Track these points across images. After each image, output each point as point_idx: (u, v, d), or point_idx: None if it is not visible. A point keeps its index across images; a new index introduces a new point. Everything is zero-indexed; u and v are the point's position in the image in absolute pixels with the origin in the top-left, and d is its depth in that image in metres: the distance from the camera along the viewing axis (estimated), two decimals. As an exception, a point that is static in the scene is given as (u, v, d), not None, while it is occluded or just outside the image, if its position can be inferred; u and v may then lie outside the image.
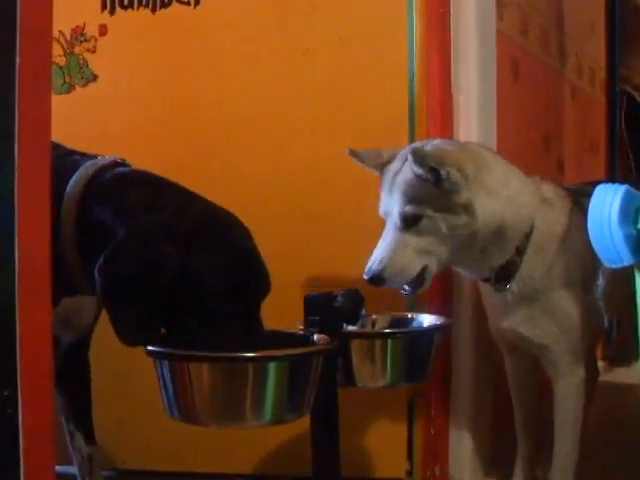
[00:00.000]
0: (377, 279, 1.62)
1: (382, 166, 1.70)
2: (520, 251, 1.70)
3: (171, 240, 1.40)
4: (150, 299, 1.39)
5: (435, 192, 1.59)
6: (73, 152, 1.58)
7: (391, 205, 1.64)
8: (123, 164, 1.58)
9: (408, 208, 1.61)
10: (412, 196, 1.61)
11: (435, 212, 1.60)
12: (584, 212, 1.71)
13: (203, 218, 1.47)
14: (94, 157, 1.56)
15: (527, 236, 1.70)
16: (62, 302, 1.49)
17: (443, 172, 1.57)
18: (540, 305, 1.73)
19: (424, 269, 1.64)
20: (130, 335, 1.41)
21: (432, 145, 1.69)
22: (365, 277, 1.63)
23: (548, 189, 1.77)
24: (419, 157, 1.58)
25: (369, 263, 1.63)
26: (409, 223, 1.61)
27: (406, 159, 1.64)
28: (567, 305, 1.74)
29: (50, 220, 1.12)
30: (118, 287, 1.40)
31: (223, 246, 1.45)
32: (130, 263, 1.39)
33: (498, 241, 1.67)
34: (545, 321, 1.74)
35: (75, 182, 1.49)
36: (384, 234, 1.65)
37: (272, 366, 1.39)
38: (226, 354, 1.39)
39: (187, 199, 1.50)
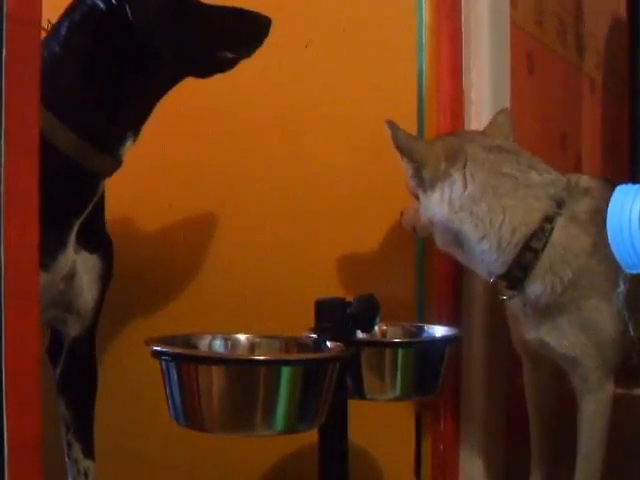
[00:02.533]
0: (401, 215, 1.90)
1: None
2: (523, 266, 1.69)
3: None
4: None
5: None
6: None
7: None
8: None
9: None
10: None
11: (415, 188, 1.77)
12: None
13: None
14: None
15: (533, 251, 1.68)
16: (60, 265, 1.55)
17: (405, 163, 1.76)
18: (568, 316, 1.71)
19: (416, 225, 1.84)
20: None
21: (440, 137, 1.85)
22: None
23: (582, 205, 1.72)
24: (399, 140, 1.75)
25: None
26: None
27: None
28: (599, 316, 1.72)
29: (38, 219, 1.12)
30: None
31: None
32: None
33: (465, 247, 1.73)
34: (574, 333, 1.72)
35: None
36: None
37: (286, 371, 1.39)
38: (237, 356, 1.40)
39: None
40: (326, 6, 2.10)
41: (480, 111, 2.08)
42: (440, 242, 1.78)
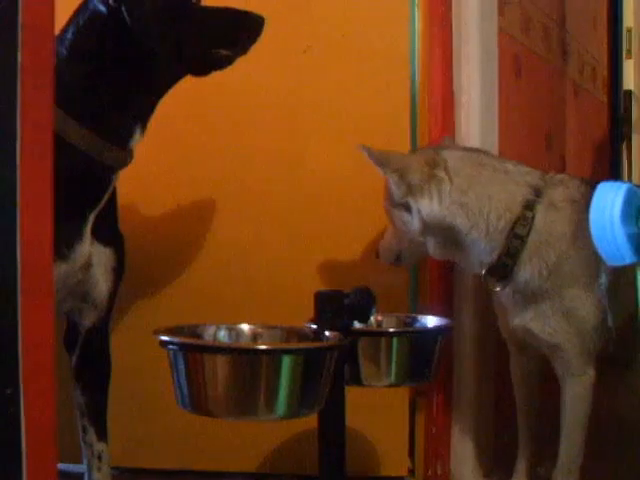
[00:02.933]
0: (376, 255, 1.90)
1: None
2: (512, 253, 1.70)
3: None
4: None
5: (392, 190, 1.76)
6: None
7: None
8: None
9: (383, 203, 1.81)
10: (387, 193, 1.79)
11: (391, 207, 1.78)
12: None
13: None
14: None
15: (519, 238, 1.70)
16: (77, 255, 1.57)
17: (387, 175, 1.74)
18: (551, 303, 1.72)
19: (399, 252, 1.84)
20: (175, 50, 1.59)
21: (415, 150, 1.88)
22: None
23: (558, 193, 1.74)
24: (373, 156, 1.74)
25: None
26: (387, 215, 1.82)
27: None
28: (581, 305, 1.72)
29: (52, 219, 1.12)
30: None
31: None
32: None
33: (458, 242, 1.73)
34: (557, 320, 1.72)
35: None
36: None
37: (287, 359, 1.40)
38: (241, 345, 1.40)
39: None
40: (324, 14, 2.10)
41: (470, 113, 2.08)
42: (434, 247, 1.77)
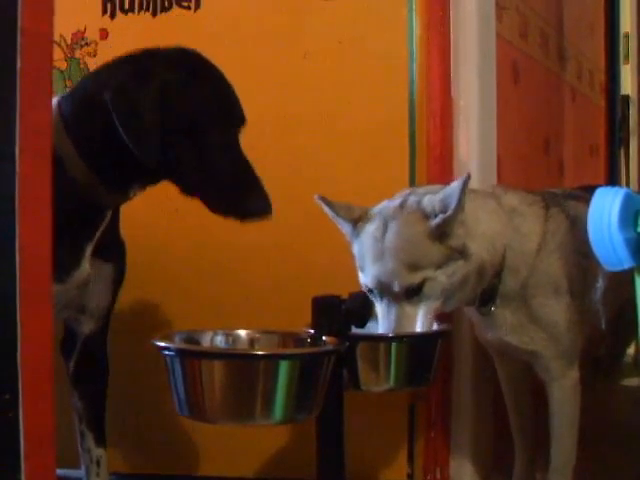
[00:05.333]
0: None
1: (354, 221, 1.63)
2: (498, 273, 1.67)
3: (168, 69, 1.56)
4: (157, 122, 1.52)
5: (431, 247, 1.54)
6: None
7: (386, 275, 1.55)
8: None
9: (411, 278, 1.54)
10: (412, 262, 1.54)
11: (435, 270, 1.55)
12: (568, 216, 1.72)
13: (186, 54, 1.63)
14: None
15: (503, 259, 1.67)
16: (74, 279, 1.58)
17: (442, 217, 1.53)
18: (524, 313, 1.71)
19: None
20: (152, 152, 1.52)
21: (424, 197, 1.60)
22: None
23: (513, 198, 1.71)
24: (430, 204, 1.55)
25: None
26: (413, 293, 1.55)
27: (386, 220, 1.58)
28: (550, 311, 1.71)
29: (51, 222, 1.12)
30: (136, 111, 1.51)
31: (209, 78, 1.61)
32: (141, 91, 1.52)
33: (480, 276, 1.64)
34: (532, 329, 1.72)
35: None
36: (383, 308, 1.59)
37: (284, 364, 1.40)
38: (238, 351, 1.40)
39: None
40: (323, 20, 2.10)
41: (468, 118, 2.08)
42: (455, 299, 1.62)
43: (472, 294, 1.66)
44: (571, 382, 1.76)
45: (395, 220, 1.57)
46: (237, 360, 1.40)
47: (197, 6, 2.15)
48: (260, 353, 1.41)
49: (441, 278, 1.55)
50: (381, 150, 2.05)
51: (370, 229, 1.60)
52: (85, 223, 1.62)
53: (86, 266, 1.62)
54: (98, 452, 1.74)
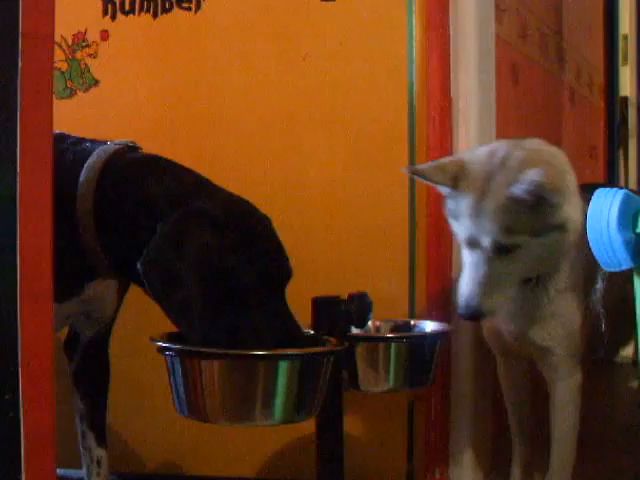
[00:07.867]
0: (476, 316, 1.60)
1: (452, 182, 1.59)
2: (563, 252, 1.62)
3: (210, 231, 1.42)
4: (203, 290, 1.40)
5: (531, 217, 1.53)
6: (83, 140, 1.60)
7: (479, 233, 1.55)
8: (135, 148, 1.60)
9: (503, 238, 1.53)
10: (507, 224, 1.53)
11: (531, 238, 1.54)
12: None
13: (230, 207, 1.50)
14: (104, 143, 1.57)
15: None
16: (86, 289, 1.56)
17: (548, 198, 1.51)
18: (549, 307, 1.70)
19: None
20: (199, 328, 1.40)
21: (525, 160, 1.56)
22: (461, 313, 1.59)
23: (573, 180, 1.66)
24: (536, 189, 1.49)
25: (463, 298, 1.57)
26: (503, 252, 1.55)
27: (488, 176, 1.55)
28: (572, 308, 1.72)
29: (52, 223, 1.12)
30: (173, 282, 1.40)
31: (254, 234, 1.48)
32: (183, 256, 1.39)
33: (569, 251, 1.61)
34: (552, 325, 1.71)
35: (90, 168, 1.50)
36: (471, 263, 1.58)
37: (283, 365, 1.40)
38: (237, 352, 1.40)
39: (206, 187, 1.53)
40: (323, 22, 2.10)
41: (467, 120, 2.08)
42: (543, 267, 1.62)
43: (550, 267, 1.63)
44: (576, 383, 1.76)
45: (495, 180, 1.55)
46: (237, 361, 1.40)
47: (198, 7, 2.15)
48: (260, 353, 1.41)
49: (535, 247, 1.55)
50: (381, 151, 2.05)
51: (467, 187, 1.58)
52: (84, 270, 1.57)
53: (90, 290, 1.60)
54: (99, 452, 1.74)
